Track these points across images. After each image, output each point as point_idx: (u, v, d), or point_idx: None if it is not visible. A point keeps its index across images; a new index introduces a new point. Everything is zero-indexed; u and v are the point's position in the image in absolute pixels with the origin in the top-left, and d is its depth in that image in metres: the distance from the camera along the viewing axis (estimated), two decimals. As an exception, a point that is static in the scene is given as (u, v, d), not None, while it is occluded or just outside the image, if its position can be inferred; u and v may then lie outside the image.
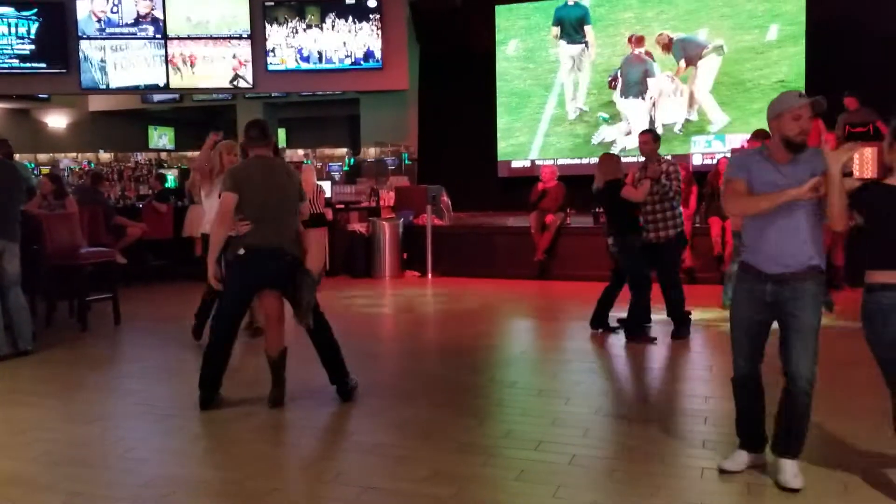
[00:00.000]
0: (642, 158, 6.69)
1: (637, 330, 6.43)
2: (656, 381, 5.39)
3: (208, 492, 3.48)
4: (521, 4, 13.74)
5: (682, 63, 11.97)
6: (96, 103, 17.83)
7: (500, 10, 13.81)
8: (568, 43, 12.80)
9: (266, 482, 3.58)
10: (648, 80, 12.24)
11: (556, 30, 12.75)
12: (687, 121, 12.03)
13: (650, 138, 6.65)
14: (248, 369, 5.62)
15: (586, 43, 12.73)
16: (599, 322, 6.73)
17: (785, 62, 10.15)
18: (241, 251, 4.51)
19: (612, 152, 7.09)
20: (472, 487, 3.49)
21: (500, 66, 13.72)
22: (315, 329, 4.67)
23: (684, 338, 6.40)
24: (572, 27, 12.62)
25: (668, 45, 12.09)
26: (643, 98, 12.36)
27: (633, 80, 12.37)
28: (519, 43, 13.48)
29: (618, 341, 6.56)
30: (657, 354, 6.16)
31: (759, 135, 8.28)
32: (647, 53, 12.34)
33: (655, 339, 6.34)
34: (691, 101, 11.86)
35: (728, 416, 4.47)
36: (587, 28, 12.61)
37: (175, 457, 3.98)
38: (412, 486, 3.48)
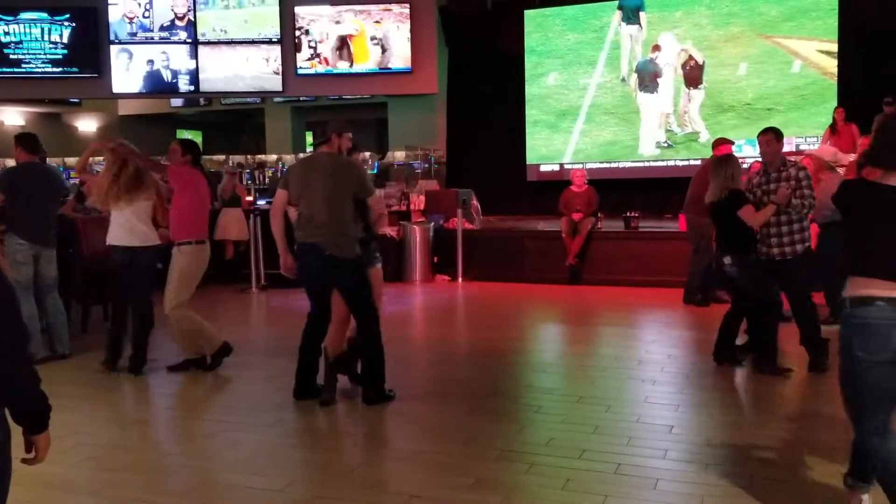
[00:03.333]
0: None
1: (769, 362, 5.47)
2: (699, 389, 5.30)
3: (251, 499, 3.45)
4: (550, 8, 13.71)
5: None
6: (126, 107, 18.01)
7: (529, 15, 13.78)
8: (627, 24, 13.45)
9: (309, 490, 3.55)
10: (658, 79, 13.22)
11: (619, 13, 13.47)
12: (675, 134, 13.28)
13: (772, 137, 5.56)
14: (284, 376, 5.61)
15: (640, 24, 13.38)
16: (724, 355, 5.75)
17: (751, 90, 12.67)
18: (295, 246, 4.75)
19: (727, 155, 6.00)
20: (517, 496, 3.44)
21: (535, 89, 13.88)
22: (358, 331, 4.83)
23: (823, 370, 5.39)
24: (631, 11, 13.44)
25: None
26: (656, 92, 13.22)
27: (648, 77, 13.36)
28: (555, 65, 13.82)
29: (655, 349, 6.48)
30: (700, 361, 6.07)
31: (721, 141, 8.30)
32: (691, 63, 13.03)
33: (791, 369, 5.45)
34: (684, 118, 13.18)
35: (776, 427, 4.39)
36: (642, 14, 13.37)
37: (214, 462, 3.96)
38: (457, 495, 3.43)
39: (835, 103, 11.52)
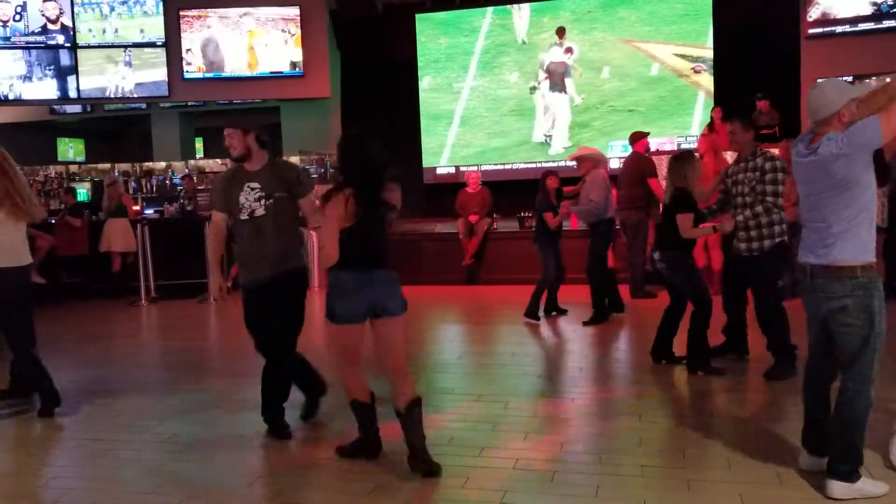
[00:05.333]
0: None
1: (700, 361, 5.34)
2: (592, 383, 5.46)
3: (143, 518, 3.33)
4: (440, 13, 13.84)
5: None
6: (0, 115, 17.02)
7: (420, 18, 13.88)
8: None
9: (204, 505, 3.45)
10: (566, 79, 13.46)
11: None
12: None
13: (738, 127, 5.23)
14: (176, 391, 5.45)
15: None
16: (662, 353, 5.67)
17: (613, 92, 13.19)
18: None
19: (685, 151, 5.85)
20: (418, 498, 3.45)
21: (422, 91, 14.01)
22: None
23: (784, 378, 5.07)
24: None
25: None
26: (565, 92, 13.41)
27: (557, 77, 13.57)
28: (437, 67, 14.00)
29: (549, 345, 6.64)
30: (593, 354, 6.25)
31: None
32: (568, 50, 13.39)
33: (723, 369, 5.34)
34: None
35: (665, 415, 4.57)
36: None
37: (104, 483, 3.79)
38: (356, 501, 3.41)
39: (693, 104, 12.34)
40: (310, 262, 9.75)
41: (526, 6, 13.51)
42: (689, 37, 12.74)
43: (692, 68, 12.66)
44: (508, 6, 13.58)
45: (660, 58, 12.94)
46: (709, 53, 12.60)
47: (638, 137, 8.78)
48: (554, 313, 7.70)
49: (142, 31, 13.08)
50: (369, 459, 3.84)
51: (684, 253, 5.38)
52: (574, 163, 7.83)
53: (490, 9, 13.68)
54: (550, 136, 13.46)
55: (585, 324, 7.26)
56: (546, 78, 13.42)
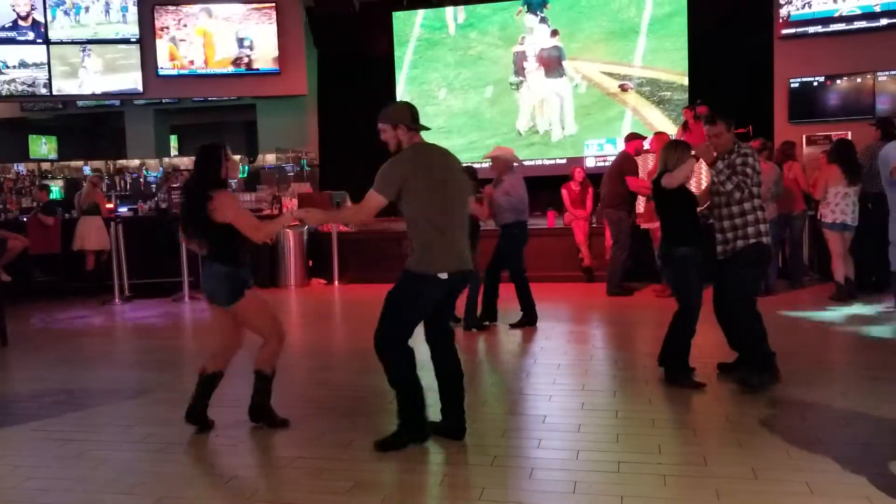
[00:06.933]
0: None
1: (679, 371, 5.05)
2: (569, 380, 5.48)
3: (119, 518, 3.30)
4: (416, 11, 13.83)
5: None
6: (-31, 112, 16.78)
7: (398, 16, 13.85)
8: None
9: (181, 504, 3.43)
10: (563, 62, 13.43)
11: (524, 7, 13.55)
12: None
13: (724, 129, 4.98)
14: (152, 391, 5.41)
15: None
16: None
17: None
18: (445, 275, 4.10)
19: (677, 141, 5.57)
20: (397, 496, 3.45)
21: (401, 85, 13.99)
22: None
23: (755, 389, 4.79)
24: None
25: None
26: (565, 76, 13.37)
27: (553, 62, 13.55)
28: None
29: (525, 343, 6.66)
30: (570, 351, 6.28)
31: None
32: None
33: (704, 384, 4.96)
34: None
35: (641, 411, 4.60)
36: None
37: (79, 484, 3.75)
38: (335, 499, 3.40)
39: (620, 121, 12.71)
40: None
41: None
42: (617, 55, 12.94)
43: (620, 86, 12.86)
44: (443, 7, 13.65)
45: (587, 75, 13.12)
46: (636, 72, 12.84)
47: (632, 138, 8.92)
48: (486, 323, 7.25)
49: (115, 27, 12.94)
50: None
51: (685, 249, 4.97)
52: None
53: (421, 12, 13.75)
54: (550, 128, 13.40)
55: (513, 326, 7.16)
56: (538, 67, 13.32)
